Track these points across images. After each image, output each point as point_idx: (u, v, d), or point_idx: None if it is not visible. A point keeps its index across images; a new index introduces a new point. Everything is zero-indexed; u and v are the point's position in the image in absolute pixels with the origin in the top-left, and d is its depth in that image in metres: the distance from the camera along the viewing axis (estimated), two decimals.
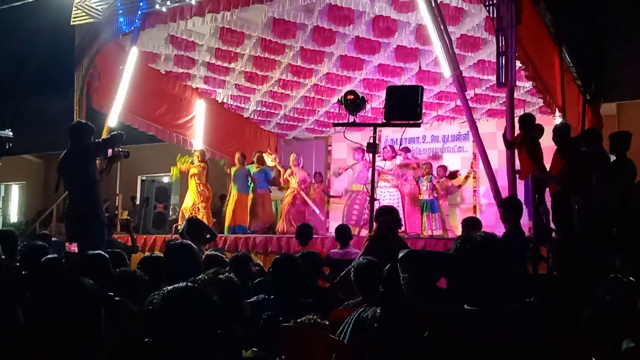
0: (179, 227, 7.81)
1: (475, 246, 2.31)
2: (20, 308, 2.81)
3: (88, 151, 6.27)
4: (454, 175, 11.73)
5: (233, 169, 11.39)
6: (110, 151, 6.54)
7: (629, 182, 6.41)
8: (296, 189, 11.18)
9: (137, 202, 14.13)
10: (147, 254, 9.18)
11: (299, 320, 3.13)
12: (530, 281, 4.90)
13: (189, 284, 2.09)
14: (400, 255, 2.56)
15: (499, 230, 6.98)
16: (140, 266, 4.57)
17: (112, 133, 6.70)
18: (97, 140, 6.52)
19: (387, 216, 5.74)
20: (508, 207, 6.33)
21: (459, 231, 10.24)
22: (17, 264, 4.42)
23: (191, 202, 11.07)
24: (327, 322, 3.15)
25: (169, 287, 2.02)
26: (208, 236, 7.40)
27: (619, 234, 6.24)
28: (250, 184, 11.33)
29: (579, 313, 3.28)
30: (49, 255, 4.81)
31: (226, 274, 3.07)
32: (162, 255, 5.29)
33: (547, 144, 7.62)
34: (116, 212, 12.26)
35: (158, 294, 2.02)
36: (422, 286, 2.43)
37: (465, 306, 2.28)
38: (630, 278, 3.42)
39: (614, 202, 6.33)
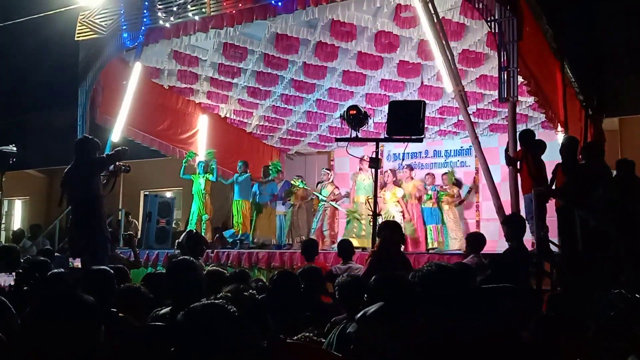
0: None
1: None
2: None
3: (92, 166, 6.29)
4: (460, 183, 11.78)
5: (236, 176, 11.57)
6: (112, 166, 6.58)
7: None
8: (328, 203, 11.28)
9: (131, 217, 14.14)
10: (149, 269, 9.19)
11: (294, 338, 3.12)
12: (534, 296, 4.88)
13: (214, 300, 2.09)
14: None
15: (501, 244, 6.98)
16: (144, 282, 4.57)
17: (117, 149, 6.73)
18: (101, 156, 6.54)
19: (390, 231, 5.72)
20: (510, 224, 6.32)
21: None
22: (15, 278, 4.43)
23: (197, 213, 11.11)
24: (323, 340, 3.14)
25: (196, 304, 2.02)
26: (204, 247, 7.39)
27: (622, 249, 6.21)
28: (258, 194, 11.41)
29: (584, 328, 3.27)
30: (55, 270, 4.80)
31: (249, 290, 3.11)
32: (164, 271, 5.30)
33: (549, 159, 7.62)
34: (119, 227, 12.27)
35: (181, 312, 2.01)
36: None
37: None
38: (636, 295, 3.41)
39: (617, 216, 6.31)
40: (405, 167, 11.44)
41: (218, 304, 2.03)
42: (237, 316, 2.00)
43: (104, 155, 6.71)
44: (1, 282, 4.76)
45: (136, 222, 13.81)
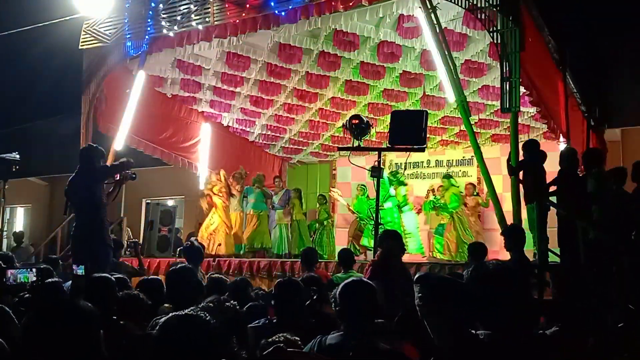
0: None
1: (487, 274, 2.35)
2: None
3: (96, 174, 6.30)
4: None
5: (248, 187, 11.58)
6: (117, 176, 6.58)
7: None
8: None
9: (124, 225, 14.09)
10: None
11: (270, 340, 3.11)
12: (540, 308, 4.87)
13: (188, 312, 2.08)
14: (417, 276, 2.59)
15: (503, 254, 6.96)
16: (138, 289, 4.56)
17: (122, 160, 6.71)
18: (105, 165, 6.55)
19: (391, 241, 5.71)
20: (510, 235, 6.31)
21: None
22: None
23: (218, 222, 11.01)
24: (297, 338, 3.12)
25: (167, 316, 2.02)
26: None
27: (625, 261, 6.20)
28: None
29: (584, 340, 3.26)
30: (51, 279, 4.81)
31: (231, 301, 3.10)
32: (158, 277, 5.31)
33: (551, 169, 7.62)
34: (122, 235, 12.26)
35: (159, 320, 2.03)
36: (434, 309, 2.44)
37: (479, 331, 2.31)
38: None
39: (620, 228, 6.30)
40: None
41: (193, 315, 2.02)
42: (212, 326, 2.00)
43: (109, 165, 6.69)
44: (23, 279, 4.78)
45: (128, 230, 13.75)
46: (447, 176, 11.29)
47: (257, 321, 3.96)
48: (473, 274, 2.40)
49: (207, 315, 2.02)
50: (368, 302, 2.97)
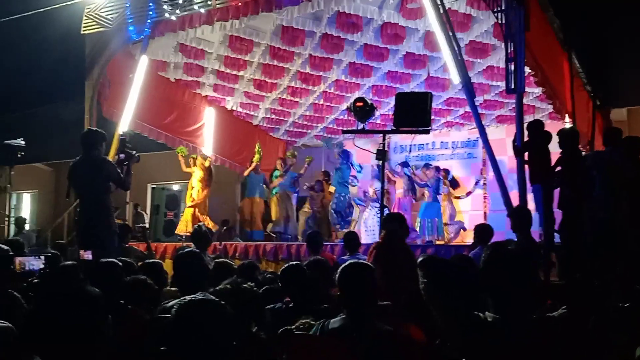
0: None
1: (508, 256, 2.35)
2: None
3: (103, 164, 6.24)
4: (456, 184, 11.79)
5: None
6: (122, 155, 6.56)
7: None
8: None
9: (140, 209, 14.23)
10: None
11: (293, 326, 3.13)
12: (546, 289, 4.88)
13: (206, 295, 2.10)
14: (420, 259, 2.58)
15: (509, 236, 6.96)
16: (140, 272, 4.59)
17: (122, 157, 6.59)
18: (120, 177, 6.39)
19: (394, 223, 5.72)
20: (518, 217, 6.30)
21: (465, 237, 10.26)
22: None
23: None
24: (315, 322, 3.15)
25: (186, 298, 2.03)
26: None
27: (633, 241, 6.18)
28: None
29: (585, 320, 3.26)
30: (67, 262, 4.84)
31: (248, 283, 3.13)
32: (159, 261, 5.34)
33: (556, 150, 7.58)
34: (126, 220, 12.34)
35: (176, 303, 2.04)
36: (439, 293, 2.44)
37: (486, 314, 2.31)
38: None
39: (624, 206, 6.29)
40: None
41: (208, 300, 2.04)
42: (227, 311, 2.01)
43: (122, 177, 6.50)
44: (32, 266, 4.83)
45: (145, 214, 13.87)
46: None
47: (272, 305, 3.99)
48: (491, 257, 2.39)
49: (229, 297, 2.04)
50: (367, 284, 2.94)
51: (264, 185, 11.96)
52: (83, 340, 2.21)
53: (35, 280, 4.69)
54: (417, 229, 10.80)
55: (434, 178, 11.05)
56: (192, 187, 11.38)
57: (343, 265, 3.05)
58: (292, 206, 11.91)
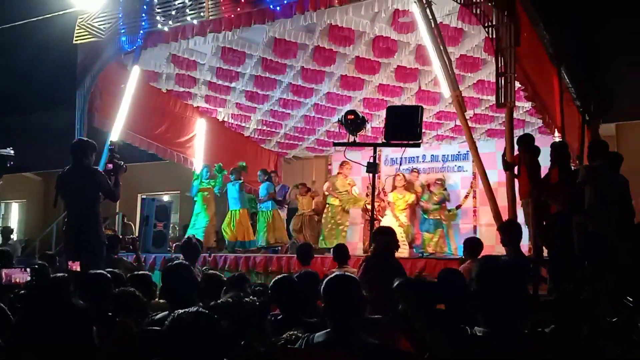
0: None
1: (499, 267, 2.37)
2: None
3: (94, 174, 6.21)
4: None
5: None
6: (110, 165, 6.52)
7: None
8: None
9: (126, 220, 14.16)
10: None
11: (281, 337, 3.11)
12: (535, 304, 4.88)
13: (200, 309, 2.10)
14: (396, 284, 2.59)
15: (499, 250, 6.97)
16: (128, 284, 4.55)
17: (111, 168, 6.58)
18: (109, 189, 6.37)
19: (384, 236, 5.71)
20: (507, 231, 6.31)
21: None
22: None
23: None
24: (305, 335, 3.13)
25: (180, 311, 2.03)
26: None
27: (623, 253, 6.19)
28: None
29: (577, 332, 3.27)
30: (57, 275, 4.78)
31: (250, 297, 3.14)
32: (148, 273, 5.30)
33: (546, 164, 7.62)
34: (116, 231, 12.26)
35: (165, 315, 2.04)
36: (421, 311, 2.44)
37: (475, 329, 2.31)
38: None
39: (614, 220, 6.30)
40: (412, 170, 11.50)
41: (202, 313, 2.04)
42: (220, 324, 2.01)
43: (112, 189, 6.47)
44: (17, 279, 4.76)
45: (132, 225, 13.80)
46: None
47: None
48: (483, 269, 2.39)
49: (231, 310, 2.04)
50: (352, 296, 2.87)
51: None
52: (70, 354, 2.18)
53: (22, 292, 4.63)
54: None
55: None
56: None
57: (328, 278, 3.01)
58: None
